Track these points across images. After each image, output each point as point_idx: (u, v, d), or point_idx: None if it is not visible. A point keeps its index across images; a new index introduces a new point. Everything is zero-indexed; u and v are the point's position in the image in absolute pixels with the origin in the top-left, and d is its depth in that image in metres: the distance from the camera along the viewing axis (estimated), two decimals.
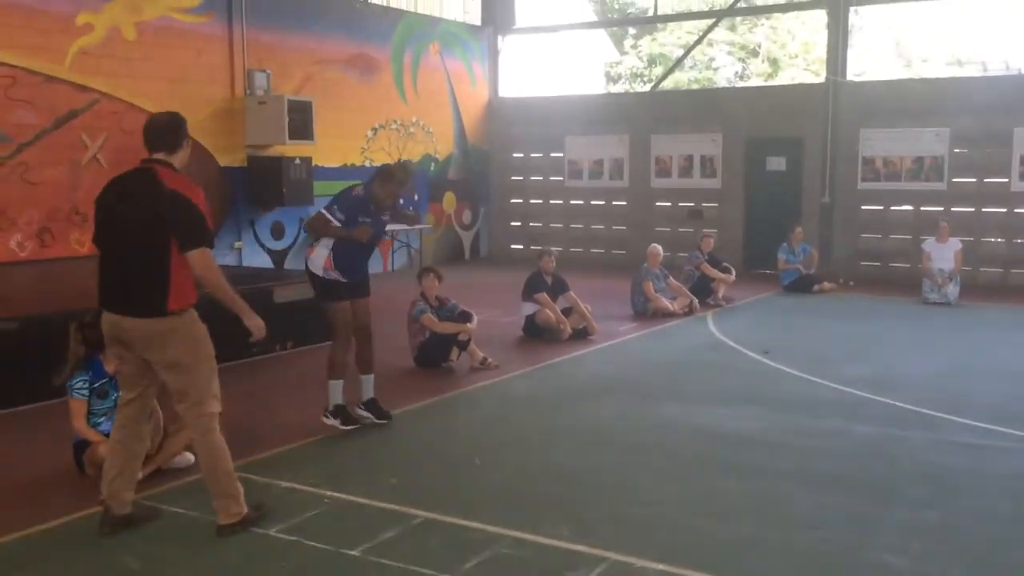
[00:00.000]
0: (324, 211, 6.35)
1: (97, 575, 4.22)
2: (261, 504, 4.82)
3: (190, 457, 5.70)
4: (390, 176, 6.46)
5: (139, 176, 4.52)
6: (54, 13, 11.08)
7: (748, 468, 5.72)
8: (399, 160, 6.37)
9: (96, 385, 5.54)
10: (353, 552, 4.41)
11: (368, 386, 6.60)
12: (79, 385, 5.47)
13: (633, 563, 4.31)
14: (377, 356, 8.94)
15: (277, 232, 14.19)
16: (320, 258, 6.32)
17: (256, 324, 4.68)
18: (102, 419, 5.56)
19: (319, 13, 14.74)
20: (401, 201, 6.84)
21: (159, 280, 4.39)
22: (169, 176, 4.48)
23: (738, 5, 20.37)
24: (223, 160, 13.32)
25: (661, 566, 4.27)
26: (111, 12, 11.71)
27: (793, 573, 4.25)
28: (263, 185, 13.48)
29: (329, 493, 5.20)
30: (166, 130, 4.58)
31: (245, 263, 13.46)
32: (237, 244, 13.58)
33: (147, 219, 4.40)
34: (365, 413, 6.54)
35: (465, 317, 8.53)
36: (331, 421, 6.35)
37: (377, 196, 6.45)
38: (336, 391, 6.39)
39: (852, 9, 16.08)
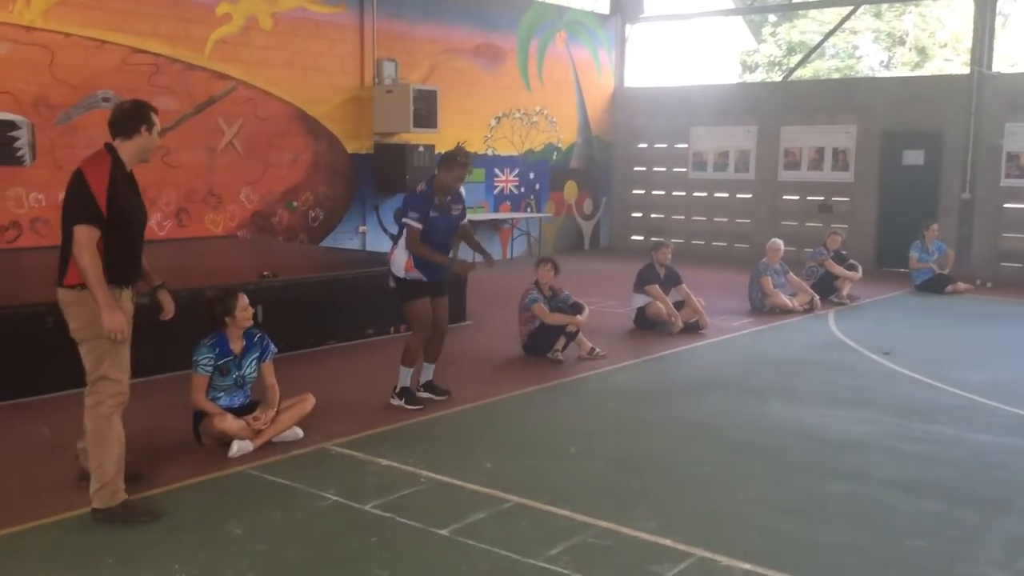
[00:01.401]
0: (407, 220, 6.56)
1: (205, 539, 4.46)
2: (148, 510, 4.71)
3: (299, 432, 5.96)
4: (453, 161, 6.56)
5: None
6: (196, 3, 11.68)
7: (852, 472, 5.55)
8: (459, 145, 6.58)
9: (220, 362, 5.80)
10: (442, 531, 4.53)
11: (428, 372, 7.01)
12: (204, 362, 5.74)
13: (720, 561, 4.27)
14: (487, 341, 9.20)
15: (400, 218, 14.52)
16: (401, 260, 6.64)
17: (110, 323, 4.47)
18: (221, 394, 5.84)
19: (447, 3, 15.00)
20: (463, 191, 7.00)
21: (65, 253, 4.59)
22: (92, 156, 4.67)
23: None
24: (351, 147, 13.75)
25: (748, 566, 4.21)
26: (249, 2, 12.26)
27: None
28: (387, 171, 13.85)
29: (426, 473, 5.34)
30: (122, 119, 4.70)
31: (368, 247, 13.88)
32: (362, 228, 14.01)
33: (65, 196, 4.65)
34: (425, 394, 6.92)
35: (576, 309, 8.55)
36: (397, 402, 6.76)
37: (443, 184, 6.58)
38: (405, 376, 6.81)
39: None
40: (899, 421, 6.61)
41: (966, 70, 15.65)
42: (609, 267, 15.23)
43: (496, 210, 16.17)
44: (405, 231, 6.61)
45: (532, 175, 16.89)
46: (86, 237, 4.46)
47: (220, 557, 4.26)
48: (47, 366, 6.75)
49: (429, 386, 6.99)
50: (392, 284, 6.82)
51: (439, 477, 5.30)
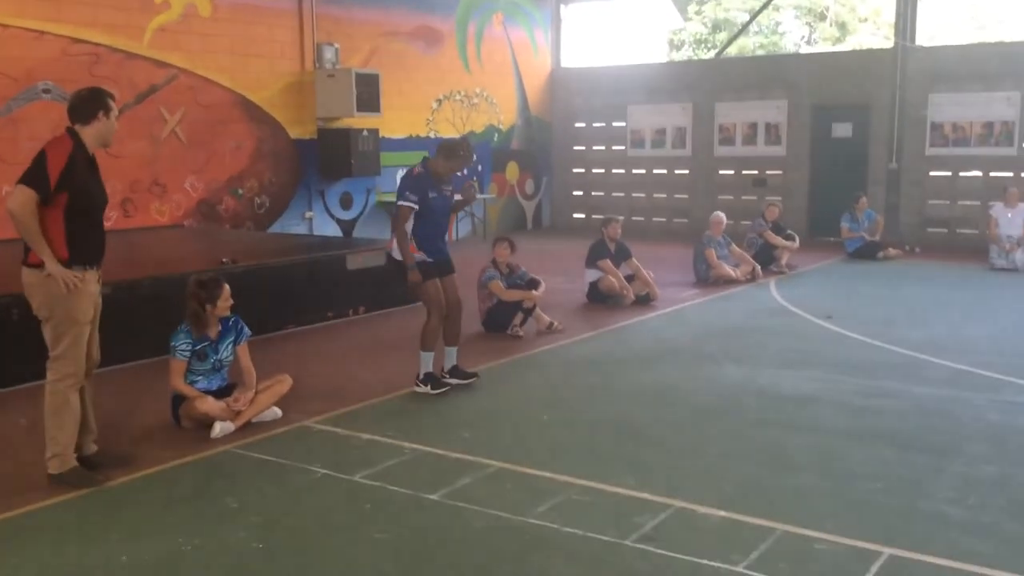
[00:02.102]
0: (401, 201, 6.53)
1: (202, 513, 4.58)
2: (94, 478, 4.94)
3: (278, 412, 6.08)
4: (453, 152, 6.63)
5: None
6: None
7: (808, 425, 5.90)
8: (461, 136, 6.58)
9: (198, 347, 5.90)
10: (432, 496, 4.73)
11: (451, 356, 6.91)
12: (182, 347, 5.83)
13: (696, 509, 4.55)
14: None
15: (346, 202, 14.59)
16: None
17: (55, 269, 4.71)
18: (199, 377, 5.94)
19: None
20: (465, 172, 7.02)
21: None
22: (55, 138, 4.83)
23: None
24: (294, 133, 13.73)
25: (724, 513, 4.50)
26: None
27: (851, 520, 4.43)
28: (332, 157, 13.88)
29: (408, 445, 5.52)
30: (79, 105, 4.88)
31: (316, 232, 13.90)
32: (308, 214, 14.01)
33: None
34: (452, 380, 6.83)
35: (532, 284, 8.77)
36: (422, 388, 6.67)
37: (438, 171, 6.63)
38: (427, 361, 6.70)
39: None
40: (847, 378, 7.00)
41: (889, 44, 16.23)
42: (553, 246, 15.49)
43: None
44: (396, 211, 6.57)
45: (474, 156, 16.99)
46: (22, 194, 4.63)
47: (220, 529, 4.39)
48: (15, 358, 6.73)
49: (455, 371, 6.88)
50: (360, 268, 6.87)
51: (421, 447, 5.48)
